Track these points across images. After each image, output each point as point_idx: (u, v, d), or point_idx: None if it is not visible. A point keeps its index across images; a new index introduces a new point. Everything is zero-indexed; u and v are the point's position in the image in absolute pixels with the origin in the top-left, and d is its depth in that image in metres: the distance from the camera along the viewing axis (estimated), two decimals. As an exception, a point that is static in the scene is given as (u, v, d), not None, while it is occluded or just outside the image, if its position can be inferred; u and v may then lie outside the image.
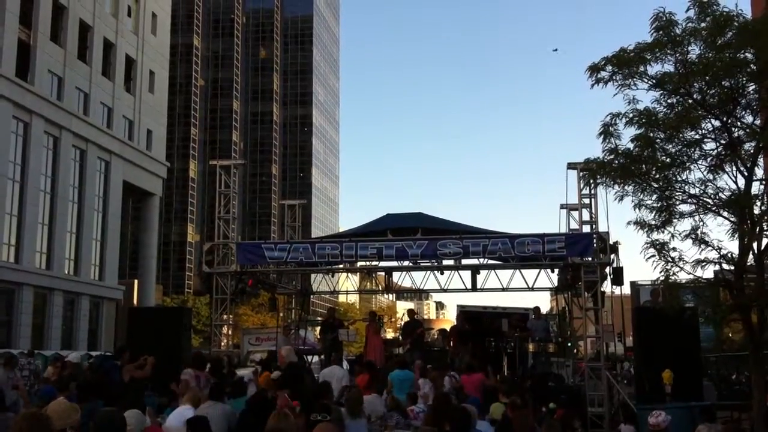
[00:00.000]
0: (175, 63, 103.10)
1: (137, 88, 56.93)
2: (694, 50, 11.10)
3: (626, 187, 11.42)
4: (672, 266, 10.80)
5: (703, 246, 10.73)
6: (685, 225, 11.06)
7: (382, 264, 20.38)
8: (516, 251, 17.79)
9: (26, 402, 13.36)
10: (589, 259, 17.55)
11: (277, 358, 15.84)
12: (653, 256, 10.84)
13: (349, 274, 24.11)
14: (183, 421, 8.28)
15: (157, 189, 60.63)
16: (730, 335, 37.00)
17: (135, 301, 55.75)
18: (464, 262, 19.49)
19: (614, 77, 11.32)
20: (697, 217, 11.04)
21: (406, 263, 19.92)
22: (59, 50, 47.69)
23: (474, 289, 20.71)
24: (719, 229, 11.08)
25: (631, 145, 11.27)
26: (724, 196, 10.98)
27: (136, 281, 59.58)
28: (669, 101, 11.42)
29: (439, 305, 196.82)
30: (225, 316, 20.36)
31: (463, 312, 22.70)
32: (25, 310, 43.75)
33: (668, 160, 11.26)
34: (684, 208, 11.22)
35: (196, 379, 11.91)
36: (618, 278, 17.99)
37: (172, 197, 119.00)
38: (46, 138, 46.29)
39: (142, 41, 57.89)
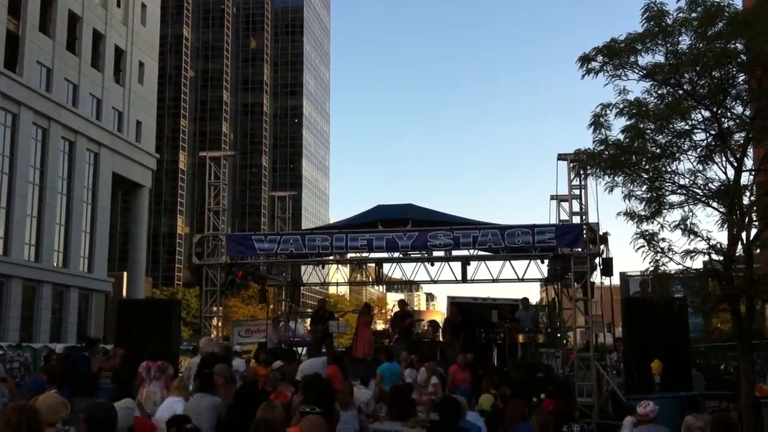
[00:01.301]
0: (164, 54, 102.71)
1: (127, 79, 56.63)
2: (685, 41, 11.10)
3: (616, 178, 11.43)
4: (661, 257, 10.82)
5: (692, 236, 10.74)
6: (674, 216, 11.08)
7: (373, 255, 20.36)
8: (506, 242, 17.80)
9: (13, 394, 13.32)
10: (579, 249, 17.57)
11: (267, 346, 15.78)
12: (642, 246, 10.85)
13: (340, 266, 24.08)
14: (172, 412, 8.25)
15: (146, 181, 60.40)
16: (719, 325, 37.22)
17: (124, 294, 55.61)
18: (454, 253, 19.50)
19: (605, 68, 11.31)
20: (686, 208, 11.06)
21: (396, 255, 19.91)
22: (48, 41, 47.38)
23: (464, 280, 20.73)
24: (708, 220, 11.11)
25: (621, 136, 11.28)
26: (713, 187, 11.00)
27: (125, 273, 59.40)
28: (659, 92, 11.43)
29: (430, 296, 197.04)
30: (215, 308, 20.30)
31: (456, 303, 22.72)
32: (14, 302, 43.56)
33: (658, 150, 11.27)
34: (673, 198, 11.24)
35: (147, 369, 11.90)
36: (607, 269, 18.03)
37: (162, 189, 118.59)
38: (35, 129, 46.03)
39: (132, 32, 57.56)
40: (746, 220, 10.69)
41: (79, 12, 50.50)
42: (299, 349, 21.67)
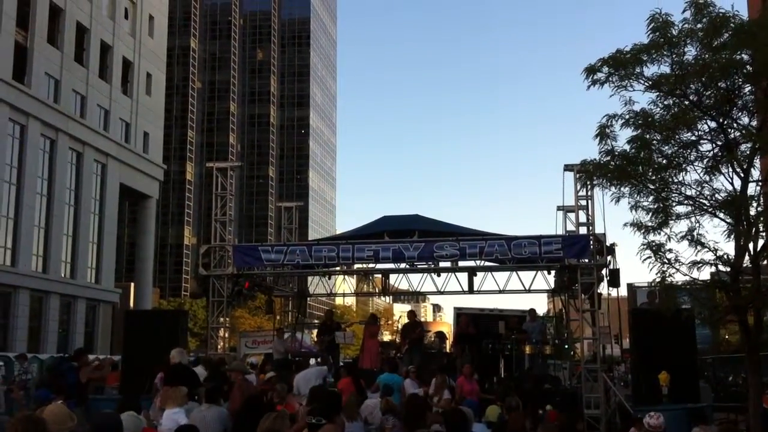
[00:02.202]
0: (172, 65, 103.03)
1: (134, 91, 56.87)
2: (691, 51, 11.11)
3: (622, 189, 11.41)
4: (668, 268, 10.79)
5: (699, 247, 10.71)
6: (681, 226, 11.05)
7: (379, 266, 20.34)
8: (513, 253, 17.74)
9: (21, 406, 13.39)
10: (586, 260, 17.50)
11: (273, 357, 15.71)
12: (649, 257, 10.82)
13: (346, 277, 24.08)
14: (175, 424, 8.26)
15: (153, 191, 60.55)
16: (727, 337, 37.03)
17: (131, 304, 55.66)
18: (461, 264, 19.46)
19: (610, 78, 11.32)
20: (693, 219, 11.03)
21: (402, 265, 19.87)
22: (56, 53, 47.64)
23: (471, 291, 20.69)
24: (715, 231, 11.06)
25: (627, 147, 11.28)
26: (720, 198, 10.98)
27: (132, 284, 59.48)
28: (665, 102, 11.43)
29: (437, 307, 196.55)
30: (222, 319, 20.28)
31: (465, 314, 22.66)
32: (22, 313, 43.66)
33: (664, 161, 11.27)
34: (680, 209, 11.22)
35: (162, 380, 11.98)
36: (615, 280, 17.95)
37: (169, 200, 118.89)
38: (43, 140, 46.24)
39: (139, 43, 57.85)
40: (753, 231, 10.67)
41: (86, 24, 50.79)
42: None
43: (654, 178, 11.34)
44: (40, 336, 45.35)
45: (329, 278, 23.00)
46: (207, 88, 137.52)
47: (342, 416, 8.87)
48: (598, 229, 17.69)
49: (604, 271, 17.75)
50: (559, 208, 19.22)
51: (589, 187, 16.61)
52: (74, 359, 14.61)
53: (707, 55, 10.89)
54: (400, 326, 23.73)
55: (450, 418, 7.57)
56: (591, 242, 17.38)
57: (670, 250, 10.86)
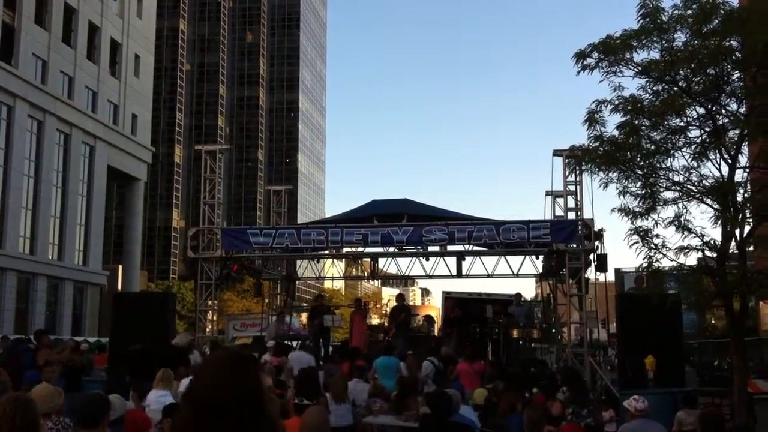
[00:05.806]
0: (160, 47, 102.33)
1: (122, 72, 56.48)
2: (680, 38, 11.13)
3: (611, 174, 11.45)
4: (655, 253, 10.85)
5: (686, 233, 10.77)
6: (668, 212, 11.11)
7: (368, 250, 20.37)
8: (501, 238, 17.79)
9: (8, 388, 13.32)
10: (574, 245, 17.59)
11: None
12: (637, 242, 10.88)
13: (335, 260, 24.10)
14: (161, 405, 8.29)
15: (142, 174, 60.30)
16: (713, 322, 37.38)
17: (119, 287, 55.51)
18: (450, 248, 19.50)
19: (600, 64, 11.32)
20: (680, 204, 11.09)
21: (391, 249, 19.90)
22: (44, 33, 47.23)
23: (459, 275, 20.75)
24: (702, 216, 11.15)
25: (616, 133, 11.31)
26: (707, 184, 11.02)
27: (120, 266, 59.33)
28: (654, 88, 11.45)
29: (425, 291, 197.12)
30: (210, 302, 20.29)
31: (452, 298, 22.72)
32: (9, 295, 43.52)
33: (653, 147, 11.30)
34: (668, 195, 11.27)
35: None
36: (602, 265, 18.05)
37: (157, 182, 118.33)
38: (30, 122, 45.93)
39: (128, 25, 57.39)
40: (740, 217, 10.72)
41: (74, 4, 50.32)
42: (295, 344, 21.68)
43: (642, 163, 11.38)
44: (28, 318, 45.22)
45: (318, 261, 23.01)
46: (196, 71, 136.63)
47: (326, 397, 8.93)
48: (587, 215, 17.78)
49: (591, 256, 17.84)
50: (547, 193, 19.26)
51: (577, 172, 16.68)
52: (30, 341, 14.48)
53: (697, 42, 10.90)
54: (388, 310, 23.80)
55: (434, 400, 7.59)
56: (579, 227, 17.45)
57: (657, 236, 10.93)
